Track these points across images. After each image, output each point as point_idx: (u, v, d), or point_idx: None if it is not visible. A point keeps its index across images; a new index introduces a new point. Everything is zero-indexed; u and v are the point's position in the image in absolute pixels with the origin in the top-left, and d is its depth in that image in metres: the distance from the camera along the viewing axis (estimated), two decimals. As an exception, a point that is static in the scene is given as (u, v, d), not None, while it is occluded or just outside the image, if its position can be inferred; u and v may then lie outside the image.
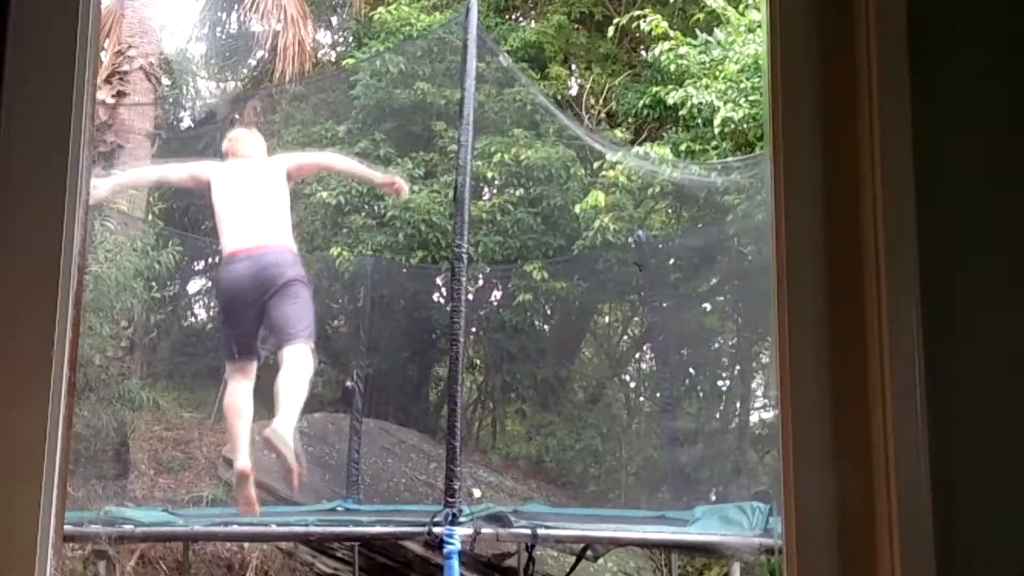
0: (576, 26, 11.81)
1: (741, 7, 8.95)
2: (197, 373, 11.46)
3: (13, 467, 1.23)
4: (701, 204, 10.00)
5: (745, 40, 8.67)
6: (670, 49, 9.02)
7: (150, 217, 10.34)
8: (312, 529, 6.19)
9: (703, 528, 6.31)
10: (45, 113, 1.30)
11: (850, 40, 1.37)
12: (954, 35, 1.39)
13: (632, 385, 12.58)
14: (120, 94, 10.28)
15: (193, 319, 13.13)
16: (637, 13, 9.59)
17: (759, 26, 8.33)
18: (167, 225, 11.06)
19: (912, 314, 1.29)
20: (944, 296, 1.32)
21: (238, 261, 5.54)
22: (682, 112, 8.86)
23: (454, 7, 11.47)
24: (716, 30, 8.98)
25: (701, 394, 10.91)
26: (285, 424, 5.18)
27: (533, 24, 12.34)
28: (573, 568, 6.89)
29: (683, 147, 9.16)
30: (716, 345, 11.39)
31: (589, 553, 6.98)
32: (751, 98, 8.41)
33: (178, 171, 6.25)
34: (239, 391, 5.54)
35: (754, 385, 10.68)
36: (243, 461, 5.35)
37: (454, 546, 5.50)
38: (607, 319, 12.86)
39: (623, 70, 11.47)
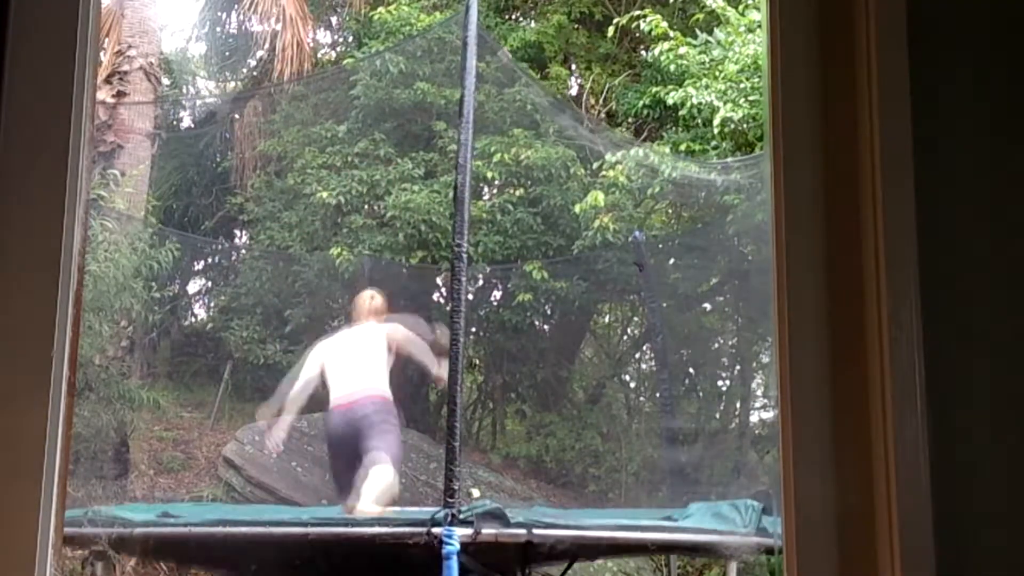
0: (576, 26, 11.81)
1: (741, 7, 8.95)
2: (197, 373, 11.45)
3: (13, 467, 1.23)
4: (701, 204, 10.00)
5: (745, 40, 8.67)
6: (670, 49, 9.01)
7: (146, 215, 10.31)
8: (311, 530, 6.17)
9: (696, 523, 6.29)
10: (45, 113, 1.30)
11: (850, 40, 1.37)
12: (954, 35, 1.38)
13: (632, 385, 12.57)
14: (120, 94, 10.29)
15: (193, 319, 13.12)
16: (637, 13, 9.58)
17: (759, 26, 8.32)
18: (166, 224, 11.05)
19: (912, 314, 1.29)
20: (944, 296, 1.32)
21: (337, 414, 6.43)
22: (682, 112, 8.85)
23: (454, 7, 11.47)
24: (716, 30, 8.97)
25: (701, 394, 10.89)
26: (368, 506, 6.04)
27: (533, 24, 12.34)
28: (568, 568, 6.86)
29: (683, 147, 9.16)
30: (716, 345, 11.38)
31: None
32: (751, 98, 8.40)
33: (309, 372, 6.65)
34: None
35: (754, 385, 10.66)
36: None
37: (453, 546, 5.48)
38: (607, 319, 12.85)
39: (623, 70, 11.46)
